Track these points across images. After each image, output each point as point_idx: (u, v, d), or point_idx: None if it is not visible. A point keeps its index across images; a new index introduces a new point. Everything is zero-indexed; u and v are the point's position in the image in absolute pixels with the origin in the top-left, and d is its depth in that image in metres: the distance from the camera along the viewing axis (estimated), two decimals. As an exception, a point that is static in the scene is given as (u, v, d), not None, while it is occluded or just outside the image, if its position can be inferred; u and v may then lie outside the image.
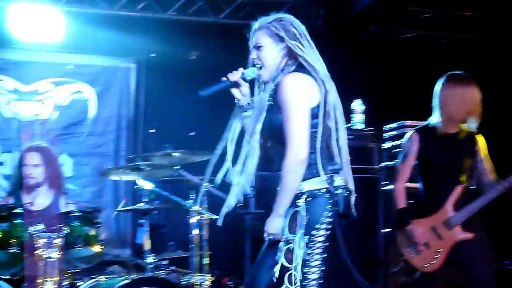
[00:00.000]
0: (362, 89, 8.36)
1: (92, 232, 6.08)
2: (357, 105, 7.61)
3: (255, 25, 4.31)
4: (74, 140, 8.96)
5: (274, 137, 4.13)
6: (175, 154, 6.49)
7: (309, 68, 4.18)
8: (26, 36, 8.42)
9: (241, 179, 4.36)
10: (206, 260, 6.52)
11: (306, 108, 4.08)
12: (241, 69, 4.27)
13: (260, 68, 4.24)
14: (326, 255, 4.03)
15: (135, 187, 6.57)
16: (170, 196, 6.57)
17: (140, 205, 6.48)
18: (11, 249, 5.88)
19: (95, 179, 8.92)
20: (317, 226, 4.00)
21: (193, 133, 8.94)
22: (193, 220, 6.54)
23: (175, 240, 7.91)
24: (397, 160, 5.98)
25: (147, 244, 6.46)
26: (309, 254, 3.99)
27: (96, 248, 6.11)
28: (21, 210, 6.07)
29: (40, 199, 6.67)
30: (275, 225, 4.07)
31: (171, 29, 9.00)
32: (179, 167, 6.61)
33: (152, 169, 6.40)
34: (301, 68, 4.18)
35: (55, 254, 5.77)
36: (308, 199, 4.02)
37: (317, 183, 4.05)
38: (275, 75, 4.20)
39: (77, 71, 9.11)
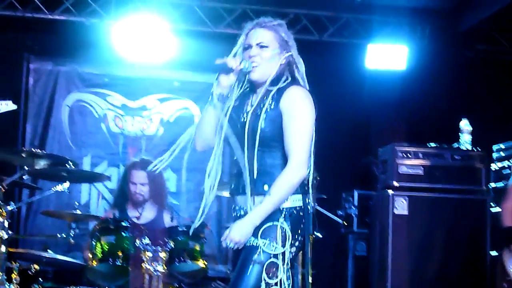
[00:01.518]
0: (469, 108, 8.22)
1: (197, 247, 6.14)
2: (465, 125, 7.46)
3: (256, 22, 4.05)
4: (179, 156, 9.02)
5: (266, 143, 3.88)
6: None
7: (303, 83, 4.04)
8: (133, 53, 8.59)
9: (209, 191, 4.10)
10: (309, 279, 6.47)
11: (313, 126, 3.97)
12: (239, 58, 3.98)
13: (254, 67, 3.96)
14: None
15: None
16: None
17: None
18: (117, 262, 5.98)
19: (199, 195, 8.98)
20: (293, 242, 3.82)
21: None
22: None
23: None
24: (508, 181, 5.88)
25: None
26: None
27: (200, 263, 6.16)
28: (127, 223, 6.19)
29: (145, 213, 6.78)
30: (246, 232, 3.80)
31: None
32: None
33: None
34: (297, 82, 4.01)
35: (160, 268, 5.85)
36: (287, 215, 3.84)
37: (296, 201, 3.88)
38: (272, 81, 3.96)
39: (183, 87, 9.23)
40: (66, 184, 6.20)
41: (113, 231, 6.12)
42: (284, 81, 3.98)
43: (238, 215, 3.98)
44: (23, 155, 6.29)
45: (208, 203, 4.03)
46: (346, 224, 7.80)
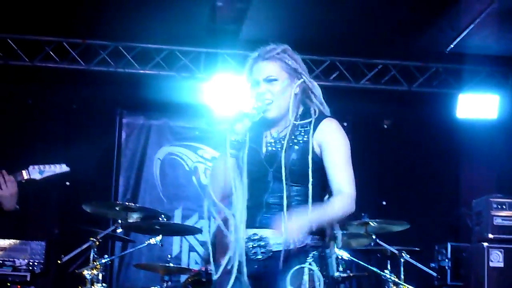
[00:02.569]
0: None
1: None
2: None
3: (258, 54, 3.72)
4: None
5: (290, 178, 3.52)
6: (372, 223, 6.43)
7: (323, 108, 3.75)
8: (223, 106, 8.67)
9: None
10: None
11: None
12: (252, 100, 3.64)
13: (268, 104, 3.63)
14: None
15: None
16: (366, 266, 6.48)
17: (335, 274, 6.44)
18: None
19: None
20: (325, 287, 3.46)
21: (384, 202, 8.87)
22: (390, 291, 6.44)
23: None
24: None
25: (340, 314, 6.40)
26: None
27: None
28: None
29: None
30: (301, 228, 3.39)
31: (364, 98, 9.03)
32: (375, 236, 6.53)
33: (349, 238, 6.36)
34: (326, 113, 3.72)
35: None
36: (316, 256, 3.49)
37: (318, 241, 3.55)
38: (299, 116, 3.68)
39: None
40: (159, 237, 6.27)
41: (205, 283, 6.13)
42: (314, 114, 3.68)
43: (256, 246, 3.54)
44: (117, 208, 6.40)
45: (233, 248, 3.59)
46: (439, 277, 7.65)
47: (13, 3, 7.78)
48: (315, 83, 3.80)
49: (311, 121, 3.64)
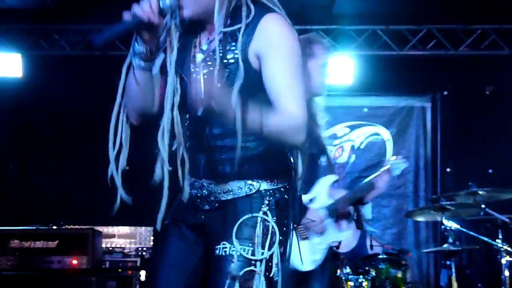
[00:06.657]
0: None
1: (399, 274, 6.02)
2: None
3: None
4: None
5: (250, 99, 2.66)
6: (481, 192, 6.27)
7: (276, 8, 2.81)
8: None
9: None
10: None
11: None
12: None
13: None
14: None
15: (442, 227, 6.37)
16: (478, 236, 6.34)
17: (445, 246, 6.32)
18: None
19: (395, 221, 8.88)
20: (281, 238, 2.79)
21: (490, 170, 8.69)
22: (503, 260, 6.28)
23: (481, 281, 7.65)
24: None
25: (453, 286, 6.28)
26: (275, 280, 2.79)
27: (403, 291, 6.05)
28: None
29: (346, 241, 6.71)
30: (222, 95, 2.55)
31: (464, 65, 8.83)
32: (484, 206, 6.37)
33: (457, 208, 6.22)
34: (270, 8, 2.79)
35: (363, 296, 5.79)
36: (272, 202, 2.80)
37: (279, 180, 2.85)
38: (227, 18, 2.77)
39: (372, 113, 9.19)
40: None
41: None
42: (248, 13, 2.75)
43: (200, 195, 2.87)
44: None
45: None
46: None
47: None
48: None
49: (246, 23, 2.73)
